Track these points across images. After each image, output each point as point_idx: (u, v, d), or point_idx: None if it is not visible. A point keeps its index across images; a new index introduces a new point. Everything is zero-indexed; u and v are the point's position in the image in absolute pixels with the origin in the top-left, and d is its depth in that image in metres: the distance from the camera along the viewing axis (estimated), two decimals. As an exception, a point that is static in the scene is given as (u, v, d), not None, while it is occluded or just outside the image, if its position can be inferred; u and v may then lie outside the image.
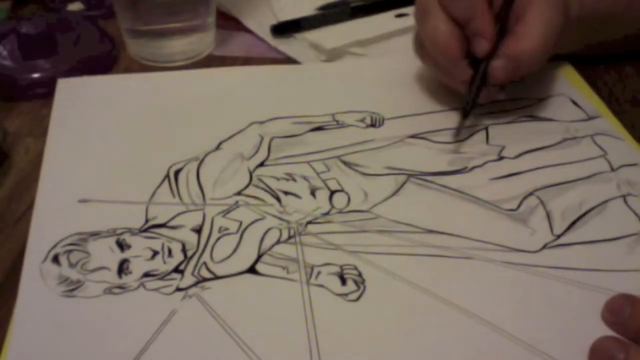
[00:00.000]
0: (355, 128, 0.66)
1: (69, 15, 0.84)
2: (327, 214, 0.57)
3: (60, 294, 0.49)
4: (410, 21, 0.72)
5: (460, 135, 0.64)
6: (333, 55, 0.77)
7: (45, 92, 0.69)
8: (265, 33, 0.80)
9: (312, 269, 0.52)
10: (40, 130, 0.65)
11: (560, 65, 0.74)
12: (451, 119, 0.67)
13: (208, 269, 0.52)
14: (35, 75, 0.72)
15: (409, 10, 0.81)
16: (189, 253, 0.53)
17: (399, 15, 0.83)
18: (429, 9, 0.63)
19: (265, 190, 0.58)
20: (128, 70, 0.76)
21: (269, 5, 0.84)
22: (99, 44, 0.78)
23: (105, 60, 0.77)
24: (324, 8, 0.84)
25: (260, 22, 0.82)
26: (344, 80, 0.72)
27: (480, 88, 0.64)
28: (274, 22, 0.81)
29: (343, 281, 0.51)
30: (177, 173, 0.60)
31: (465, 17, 0.62)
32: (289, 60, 0.77)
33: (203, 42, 0.78)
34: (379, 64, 0.75)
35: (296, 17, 0.81)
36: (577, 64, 0.75)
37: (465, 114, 0.64)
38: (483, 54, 0.62)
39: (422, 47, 0.66)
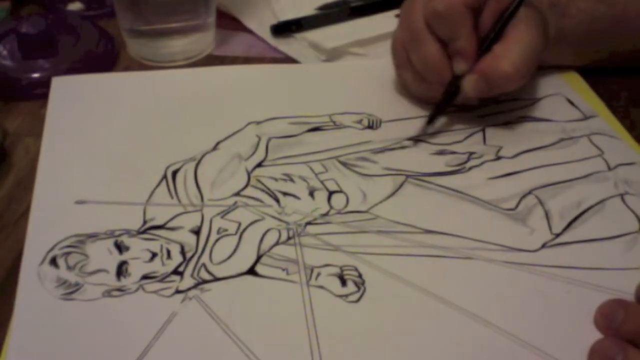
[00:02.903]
0: (353, 129, 0.66)
1: (69, 15, 0.84)
2: (326, 214, 0.57)
3: (58, 297, 0.49)
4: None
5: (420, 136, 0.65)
6: (333, 55, 0.77)
7: (45, 92, 0.69)
8: (265, 33, 0.80)
9: (312, 270, 0.52)
10: (40, 130, 0.64)
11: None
12: (449, 121, 0.67)
13: (207, 271, 0.52)
14: (35, 75, 0.72)
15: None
16: (188, 255, 0.53)
17: (399, 15, 0.83)
18: (420, 35, 0.65)
19: (264, 191, 0.58)
20: (128, 70, 0.76)
21: (269, 5, 0.84)
22: (99, 44, 0.78)
23: (105, 60, 0.77)
24: (324, 8, 0.84)
25: (260, 22, 0.82)
26: (343, 80, 0.73)
27: (449, 102, 0.65)
28: (274, 22, 0.81)
29: (343, 282, 0.51)
30: (174, 174, 0.60)
31: (449, 37, 0.63)
32: (289, 60, 0.77)
33: (203, 42, 0.78)
34: (379, 65, 0.74)
35: (296, 17, 0.80)
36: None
37: (430, 121, 0.65)
38: (460, 72, 0.63)
39: (407, 64, 0.67)
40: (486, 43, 0.63)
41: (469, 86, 0.63)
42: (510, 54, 0.62)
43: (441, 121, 0.67)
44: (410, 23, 0.66)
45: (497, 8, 0.64)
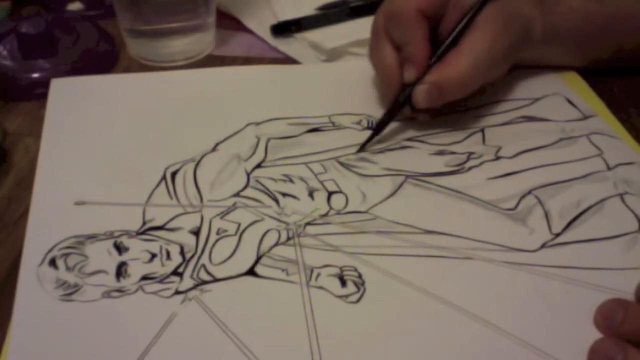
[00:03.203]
0: (352, 130, 0.66)
1: (69, 15, 0.85)
2: (325, 215, 0.57)
3: (58, 298, 0.49)
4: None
5: (366, 148, 0.64)
6: (333, 55, 0.77)
7: (45, 92, 0.69)
8: (265, 33, 0.80)
9: (311, 270, 0.52)
10: (40, 130, 0.64)
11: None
12: (448, 121, 0.67)
13: (207, 272, 0.52)
14: (35, 75, 0.72)
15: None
16: (188, 255, 0.53)
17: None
18: (378, 36, 0.66)
19: (263, 192, 0.58)
20: (128, 70, 0.76)
21: (269, 5, 0.84)
22: (99, 44, 0.78)
23: (105, 60, 0.77)
24: (324, 8, 0.84)
25: (260, 22, 0.82)
26: (342, 81, 0.72)
27: (398, 109, 0.64)
28: (274, 22, 0.81)
29: (343, 283, 0.51)
30: (173, 174, 0.59)
31: (401, 42, 0.64)
32: (289, 60, 0.77)
33: (203, 42, 0.78)
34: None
35: (296, 17, 0.81)
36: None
37: (377, 129, 0.64)
38: (409, 80, 0.63)
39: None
40: (439, 52, 0.63)
41: (420, 96, 0.62)
42: (461, 61, 0.62)
43: (440, 121, 0.67)
44: (373, 23, 0.67)
45: (455, 17, 0.64)
